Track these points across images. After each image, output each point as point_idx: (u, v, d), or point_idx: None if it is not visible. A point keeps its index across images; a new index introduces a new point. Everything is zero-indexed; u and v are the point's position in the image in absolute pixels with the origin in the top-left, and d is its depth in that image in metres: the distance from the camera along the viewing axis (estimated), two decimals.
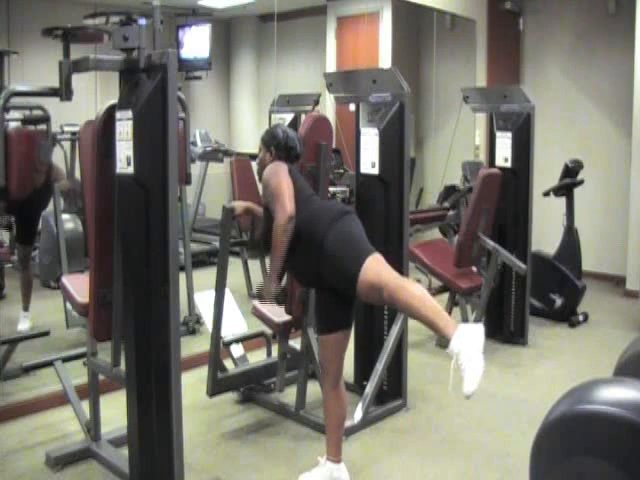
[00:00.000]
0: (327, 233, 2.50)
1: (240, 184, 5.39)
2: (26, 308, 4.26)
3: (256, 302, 3.44)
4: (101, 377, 2.91)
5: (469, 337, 2.20)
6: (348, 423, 3.07)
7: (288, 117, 5.81)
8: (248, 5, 6.15)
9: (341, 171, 5.63)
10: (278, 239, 2.54)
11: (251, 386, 3.55)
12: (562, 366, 4.20)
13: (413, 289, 2.34)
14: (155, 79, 2.17)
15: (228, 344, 3.53)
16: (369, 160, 3.39)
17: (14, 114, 4.07)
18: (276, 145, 2.84)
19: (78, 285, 2.90)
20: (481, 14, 6.60)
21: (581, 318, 5.08)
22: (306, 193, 2.69)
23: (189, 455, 2.74)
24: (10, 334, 3.78)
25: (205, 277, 4.23)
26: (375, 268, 2.43)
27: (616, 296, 5.89)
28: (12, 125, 4.00)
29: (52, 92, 2.46)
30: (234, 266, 4.70)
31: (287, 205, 2.53)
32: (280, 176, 2.64)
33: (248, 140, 6.77)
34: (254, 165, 5.70)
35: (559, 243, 5.23)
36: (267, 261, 2.76)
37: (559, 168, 5.26)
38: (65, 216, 4.43)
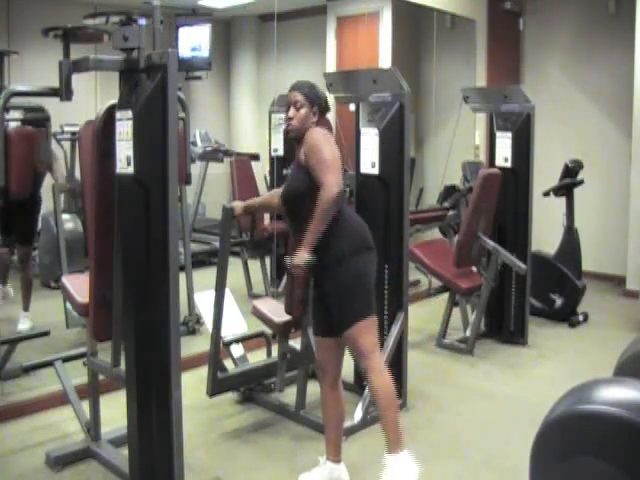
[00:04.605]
0: (351, 255, 2.48)
1: (240, 184, 5.39)
2: (26, 308, 4.26)
3: (256, 302, 3.45)
4: (101, 377, 2.91)
5: (403, 470, 2.43)
6: (348, 423, 3.07)
7: None
8: (248, 5, 6.14)
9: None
10: (326, 210, 2.39)
11: (251, 386, 3.55)
12: (562, 366, 4.20)
13: (382, 384, 2.51)
14: (155, 79, 2.17)
15: (228, 344, 3.53)
16: (369, 160, 3.39)
17: (14, 114, 4.06)
18: (320, 106, 2.60)
19: (78, 285, 2.89)
20: (481, 14, 6.60)
21: (581, 318, 5.08)
22: None
23: (189, 455, 2.73)
24: (10, 334, 3.78)
25: (205, 277, 4.23)
26: (365, 333, 2.50)
27: (616, 296, 5.89)
28: (12, 125, 4.00)
29: (52, 92, 2.46)
30: (234, 266, 4.70)
31: (340, 181, 2.43)
32: (335, 149, 2.49)
33: (248, 140, 6.77)
34: (254, 165, 5.75)
35: (559, 243, 5.23)
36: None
37: (559, 168, 5.26)
38: (65, 216, 4.43)
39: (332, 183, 2.39)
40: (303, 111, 2.55)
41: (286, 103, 2.59)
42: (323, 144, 2.46)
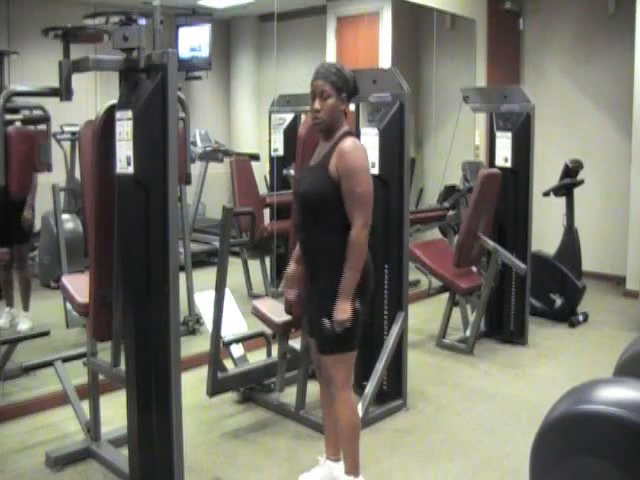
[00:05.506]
0: (358, 295, 2.38)
1: (240, 184, 5.39)
2: (26, 308, 4.26)
3: (256, 302, 3.44)
4: (101, 377, 2.91)
5: None
6: None
7: (288, 117, 5.81)
8: (248, 5, 6.15)
9: None
10: (359, 255, 2.33)
11: (251, 386, 3.55)
12: (562, 366, 4.20)
13: (349, 417, 2.48)
14: (155, 79, 2.17)
15: (228, 344, 3.53)
16: (369, 160, 3.38)
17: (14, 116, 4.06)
18: (348, 91, 2.40)
19: (78, 285, 2.90)
20: (481, 14, 6.60)
21: (581, 318, 5.08)
22: None
23: (189, 455, 2.73)
24: (10, 334, 3.78)
25: (205, 277, 4.23)
26: (342, 366, 2.48)
27: (616, 296, 5.89)
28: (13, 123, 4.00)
29: (52, 92, 2.46)
30: (234, 266, 4.70)
31: (370, 219, 2.36)
32: (369, 176, 2.38)
33: (248, 140, 6.78)
34: (254, 165, 5.75)
35: (559, 243, 5.23)
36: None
37: (559, 168, 5.26)
38: (65, 216, 4.43)
39: (363, 223, 2.33)
40: (331, 101, 2.36)
41: (311, 92, 2.39)
42: (360, 171, 2.35)
